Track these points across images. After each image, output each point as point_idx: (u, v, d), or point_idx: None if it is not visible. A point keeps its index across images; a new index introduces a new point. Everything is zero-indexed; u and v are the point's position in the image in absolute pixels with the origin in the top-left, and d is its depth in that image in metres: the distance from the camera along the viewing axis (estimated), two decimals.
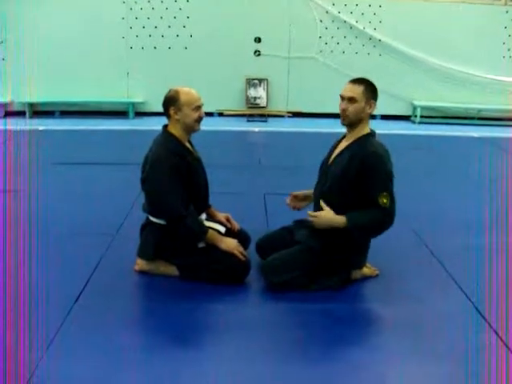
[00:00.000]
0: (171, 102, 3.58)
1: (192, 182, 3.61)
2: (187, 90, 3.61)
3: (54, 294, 3.42)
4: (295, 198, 3.97)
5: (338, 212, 3.47)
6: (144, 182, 3.62)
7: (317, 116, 10.28)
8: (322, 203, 3.55)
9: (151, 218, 3.70)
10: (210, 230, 3.61)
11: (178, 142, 3.63)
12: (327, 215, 3.49)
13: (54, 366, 2.72)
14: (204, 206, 3.86)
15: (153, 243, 3.67)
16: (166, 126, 3.70)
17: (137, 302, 3.54)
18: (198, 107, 3.61)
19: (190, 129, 3.65)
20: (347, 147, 3.59)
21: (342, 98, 3.53)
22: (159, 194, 3.52)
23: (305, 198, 3.97)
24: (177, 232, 3.55)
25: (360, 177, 3.42)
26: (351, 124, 3.56)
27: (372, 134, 3.59)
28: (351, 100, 3.48)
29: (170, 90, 3.65)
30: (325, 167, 3.73)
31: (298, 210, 3.97)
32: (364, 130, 3.57)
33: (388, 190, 3.41)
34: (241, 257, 3.58)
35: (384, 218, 3.45)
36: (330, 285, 3.61)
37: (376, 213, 3.42)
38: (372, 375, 2.79)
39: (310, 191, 3.90)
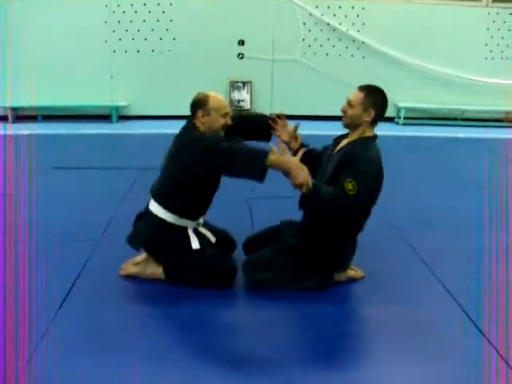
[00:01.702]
0: (200, 104, 3.52)
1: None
2: (216, 95, 3.57)
3: (38, 300, 3.38)
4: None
5: None
6: (184, 148, 3.46)
7: (301, 118, 10.25)
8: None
9: (151, 208, 3.66)
10: (275, 150, 3.31)
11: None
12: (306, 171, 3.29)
13: (38, 374, 2.68)
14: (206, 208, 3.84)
15: (146, 234, 3.62)
16: (190, 120, 3.60)
17: (122, 306, 3.45)
18: (226, 114, 3.56)
19: (214, 134, 3.56)
20: (344, 147, 3.57)
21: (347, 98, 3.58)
22: (203, 144, 3.38)
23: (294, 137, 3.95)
24: (238, 162, 3.30)
25: (338, 170, 3.39)
26: (348, 126, 3.60)
27: (372, 137, 3.57)
28: (349, 104, 3.51)
29: (198, 93, 3.59)
30: (325, 161, 3.69)
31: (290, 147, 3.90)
32: (364, 133, 3.55)
33: (358, 184, 3.29)
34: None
35: (343, 202, 3.28)
36: (312, 285, 3.61)
37: (339, 194, 3.28)
38: (360, 379, 2.79)
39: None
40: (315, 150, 3.93)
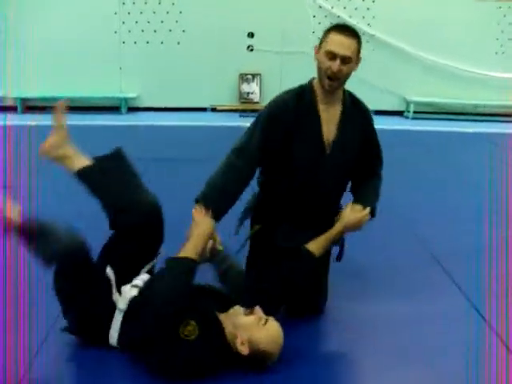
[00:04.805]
0: None
1: None
2: None
3: (39, 302, 3.25)
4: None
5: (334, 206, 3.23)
6: None
7: None
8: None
9: None
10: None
11: None
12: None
13: (39, 380, 2.63)
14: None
15: None
16: None
17: None
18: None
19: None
20: (342, 120, 3.00)
21: (334, 55, 2.77)
22: None
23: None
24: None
25: (364, 150, 3.08)
26: (337, 89, 2.95)
27: (348, 92, 3.09)
28: (346, 60, 2.79)
29: None
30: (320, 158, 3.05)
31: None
32: (342, 93, 3.00)
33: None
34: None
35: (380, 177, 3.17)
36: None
37: (378, 183, 3.13)
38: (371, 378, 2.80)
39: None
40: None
